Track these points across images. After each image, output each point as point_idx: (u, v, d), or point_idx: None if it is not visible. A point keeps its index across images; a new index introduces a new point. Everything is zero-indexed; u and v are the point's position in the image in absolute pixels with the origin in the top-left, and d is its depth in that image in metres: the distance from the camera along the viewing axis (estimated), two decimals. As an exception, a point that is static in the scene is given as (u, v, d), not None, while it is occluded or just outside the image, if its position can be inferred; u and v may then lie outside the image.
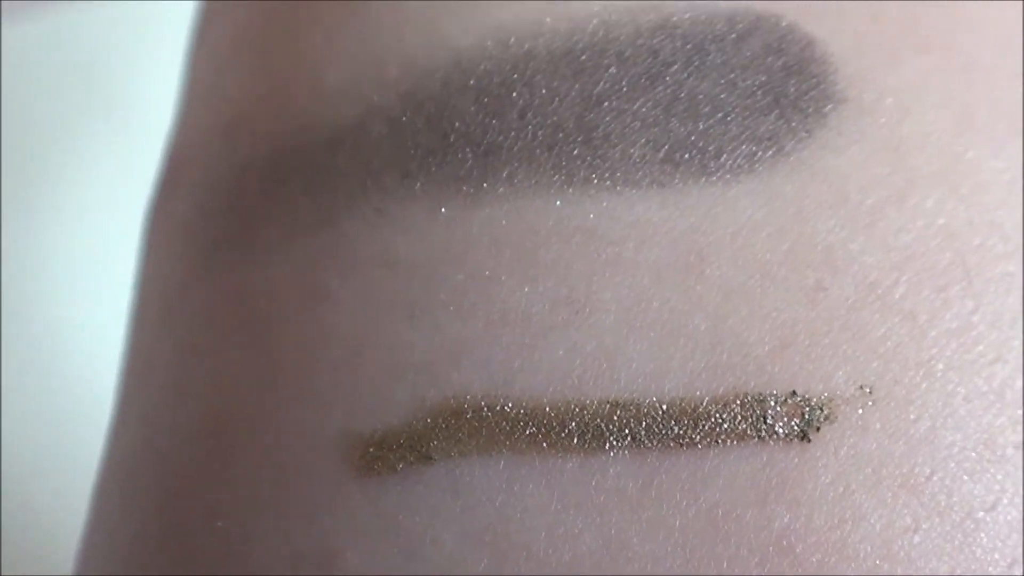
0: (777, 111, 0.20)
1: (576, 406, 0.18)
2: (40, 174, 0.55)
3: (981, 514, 0.18)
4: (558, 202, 0.19)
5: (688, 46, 0.20)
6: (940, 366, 0.19)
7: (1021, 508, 0.19)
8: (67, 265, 0.54)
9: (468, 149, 0.20)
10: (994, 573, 0.18)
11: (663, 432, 0.18)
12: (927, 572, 0.18)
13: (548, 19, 0.20)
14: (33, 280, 0.53)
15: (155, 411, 0.22)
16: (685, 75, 0.20)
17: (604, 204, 0.19)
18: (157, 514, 0.21)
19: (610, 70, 0.20)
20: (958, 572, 0.18)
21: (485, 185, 0.20)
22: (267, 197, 0.21)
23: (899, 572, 0.18)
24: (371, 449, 0.19)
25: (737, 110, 0.20)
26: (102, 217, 0.53)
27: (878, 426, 0.19)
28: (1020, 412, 0.19)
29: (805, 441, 0.18)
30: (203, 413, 0.21)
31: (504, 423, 0.18)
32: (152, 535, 0.21)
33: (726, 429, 0.18)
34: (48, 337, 0.53)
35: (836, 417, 0.19)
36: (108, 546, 0.22)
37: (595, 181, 0.20)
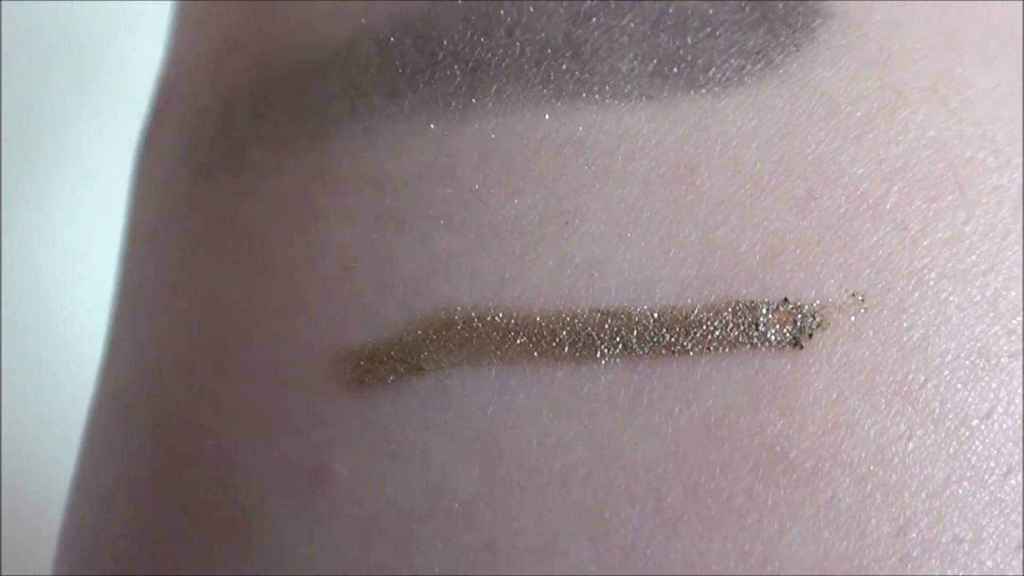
0: (766, 26, 0.20)
1: (567, 315, 0.18)
2: (33, 153, 0.55)
3: (976, 422, 0.18)
4: (547, 116, 0.19)
5: (676, -37, 0.20)
6: (933, 275, 0.19)
7: (1017, 417, 0.19)
8: (64, 247, 0.54)
9: (456, 66, 0.20)
10: (990, 480, 0.18)
11: (654, 340, 0.18)
12: (921, 479, 0.18)
13: None
14: (30, 264, 0.53)
15: (145, 341, 0.22)
16: (673, -9, 0.20)
17: (593, 117, 0.19)
18: (148, 442, 0.21)
19: (598, -14, 0.20)
20: (953, 479, 0.18)
21: (473, 101, 0.20)
22: (256, 121, 0.21)
23: (893, 478, 0.18)
24: (362, 362, 0.19)
25: (725, 24, 0.20)
26: (99, 198, 0.53)
27: (871, 333, 0.18)
28: (1015, 322, 0.19)
29: (797, 348, 0.18)
30: (193, 336, 0.20)
31: (495, 333, 0.18)
32: (142, 463, 0.21)
33: (718, 336, 0.18)
34: (43, 324, 0.53)
35: (828, 324, 0.18)
36: (99, 479, 0.22)
37: (584, 95, 0.20)
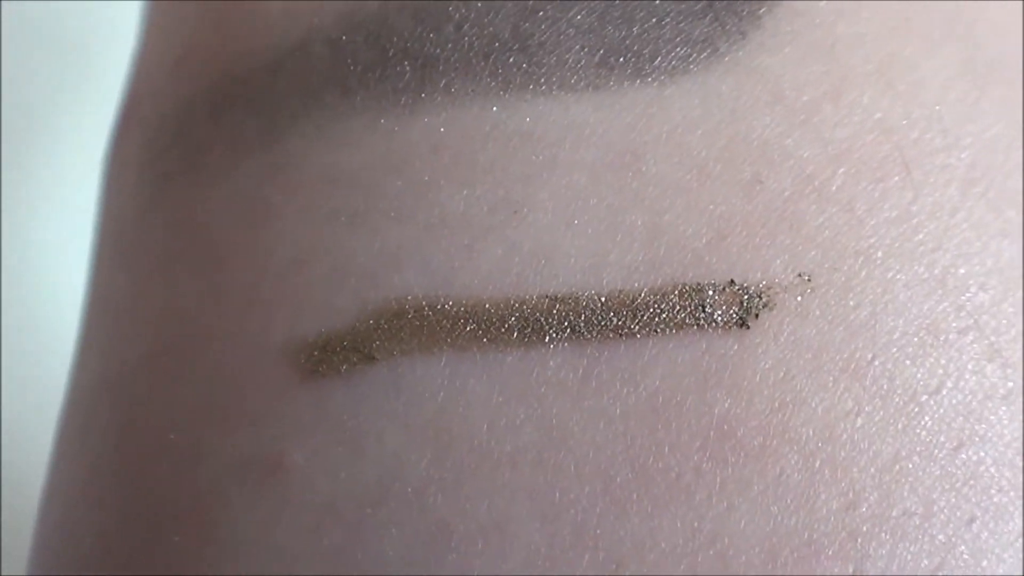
0: (711, 15, 0.20)
1: (516, 302, 0.19)
2: (36, 156, 0.55)
3: (924, 398, 0.19)
4: (495, 108, 0.20)
5: (622, -44, 0.21)
6: (879, 254, 0.19)
7: (967, 392, 0.19)
8: (63, 246, 0.54)
9: (406, 62, 0.20)
10: (940, 455, 0.18)
11: (602, 323, 0.19)
12: (871, 454, 0.18)
13: None
14: (30, 265, 0.54)
15: (111, 343, 0.22)
16: (619, -16, 0.21)
17: (540, 108, 0.20)
18: (112, 441, 0.21)
19: (544, -19, 0.21)
20: (902, 454, 0.18)
21: (423, 95, 0.20)
22: (213, 125, 0.21)
23: (842, 454, 0.18)
24: (315, 352, 0.19)
25: (671, 15, 0.20)
26: (81, 199, 0.53)
27: (818, 312, 0.19)
28: (964, 298, 0.19)
29: (744, 328, 0.19)
30: (156, 337, 0.21)
31: (445, 321, 0.19)
32: (108, 462, 0.21)
33: (665, 319, 0.19)
34: (43, 322, 0.53)
35: (775, 304, 0.19)
36: (67, 483, 0.22)
37: (531, 87, 0.20)
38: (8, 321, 0.51)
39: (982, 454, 0.18)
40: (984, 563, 0.18)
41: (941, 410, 0.18)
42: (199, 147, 0.21)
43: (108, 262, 0.23)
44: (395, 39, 0.20)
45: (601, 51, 0.20)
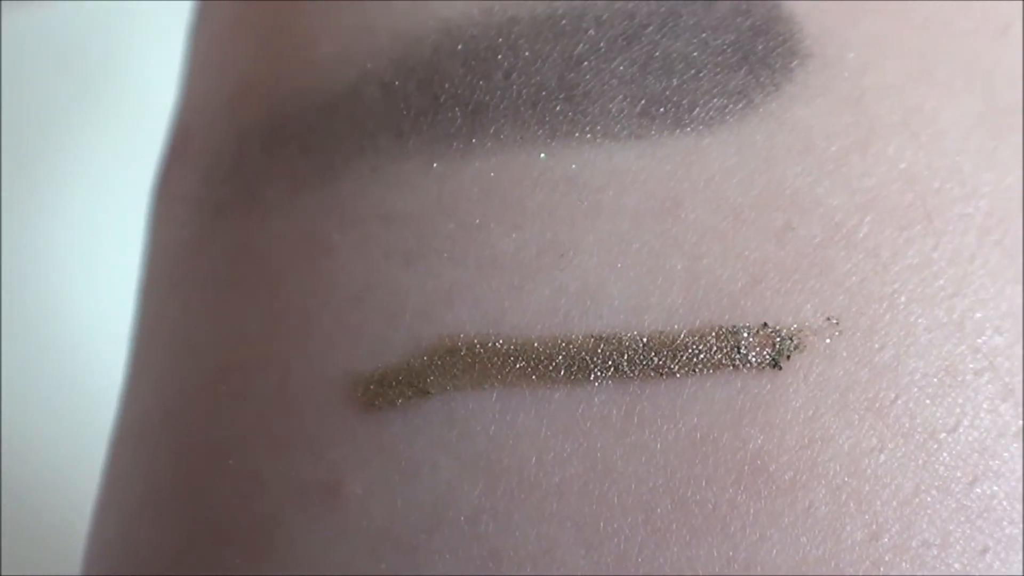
0: (746, 67, 0.22)
1: (562, 341, 0.20)
2: (39, 164, 0.55)
3: (943, 435, 0.20)
4: (542, 155, 0.21)
5: (662, 9, 0.22)
6: (903, 299, 0.20)
7: (982, 429, 0.20)
8: (66, 255, 0.54)
9: (457, 108, 0.21)
10: (956, 489, 0.20)
11: (644, 363, 0.20)
12: (892, 488, 0.19)
13: None
14: (32, 271, 0.54)
15: (165, 370, 0.23)
16: (660, 36, 0.22)
17: (585, 155, 0.21)
18: (170, 462, 0.22)
19: (589, 32, 0.22)
20: (922, 488, 0.19)
21: (474, 141, 0.21)
22: (268, 160, 0.22)
23: (866, 488, 0.19)
24: (372, 386, 0.20)
25: (709, 67, 0.21)
26: (101, 207, 0.54)
27: (844, 354, 0.20)
28: (980, 341, 0.20)
29: (776, 369, 0.20)
30: (211, 363, 0.22)
31: (496, 358, 0.20)
32: (164, 484, 0.22)
33: (702, 359, 0.20)
34: (47, 328, 0.54)
35: (805, 346, 0.20)
36: (123, 499, 0.23)
37: (576, 135, 0.21)
38: (10, 331, 0.52)
39: (995, 488, 0.20)
40: None
41: (958, 447, 0.20)
42: (256, 180, 0.22)
43: (159, 291, 0.24)
44: (446, 85, 0.21)
45: (643, 101, 0.21)
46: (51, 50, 0.56)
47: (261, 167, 0.22)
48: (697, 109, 0.21)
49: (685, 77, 0.21)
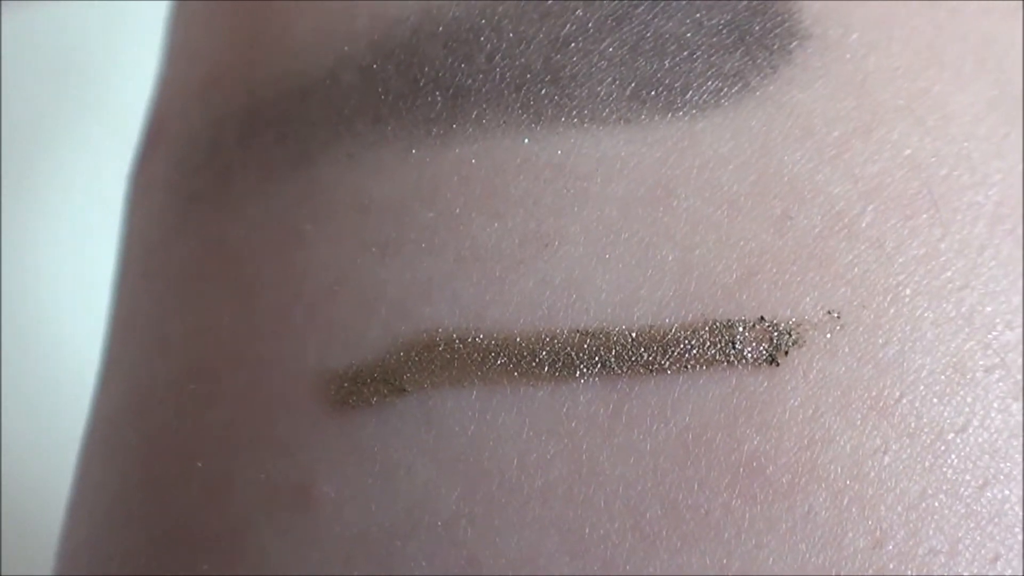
0: (743, 48, 0.20)
1: (546, 336, 0.19)
2: (34, 164, 0.55)
3: (951, 436, 0.19)
4: (526, 140, 0.20)
5: (653, -12, 0.21)
6: (908, 292, 0.19)
7: (992, 430, 0.19)
8: (60, 255, 0.54)
9: (437, 92, 0.20)
10: (965, 493, 0.18)
11: (633, 359, 0.19)
12: (897, 492, 0.18)
13: None
14: (28, 271, 0.53)
15: (137, 367, 0.22)
16: (651, 16, 0.21)
17: (572, 141, 0.20)
18: (139, 464, 0.21)
19: (576, 12, 0.21)
20: (929, 492, 0.18)
21: (454, 126, 0.20)
22: (243, 148, 0.21)
23: (869, 492, 0.18)
24: (345, 384, 0.19)
25: (703, 48, 0.20)
26: (97, 206, 0.53)
27: (847, 350, 0.19)
28: (990, 336, 0.19)
29: (774, 365, 0.19)
30: (182, 361, 0.21)
31: (476, 354, 0.19)
32: (135, 484, 0.21)
33: (695, 355, 0.19)
34: (33, 328, 0.53)
35: (804, 341, 0.19)
36: (93, 502, 0.22)
37: (562, 119, 0.20)
38: (8, 330, 0.51)
39: (1007, 492, 0.19)
40: None
41: (967, 448, 0.19)
42: (228, 170, 0.21)
43: (133, 283, 0.23)
44: (426, 68, 0.20)
45: (632, 84, 0.20)
46: (47, 50, 0.56)
47: (235, 155, 0.21)
48: (690, 92, 0.20)
49: (678, 59, 0.20)
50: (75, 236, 0.53)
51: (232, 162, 0.21)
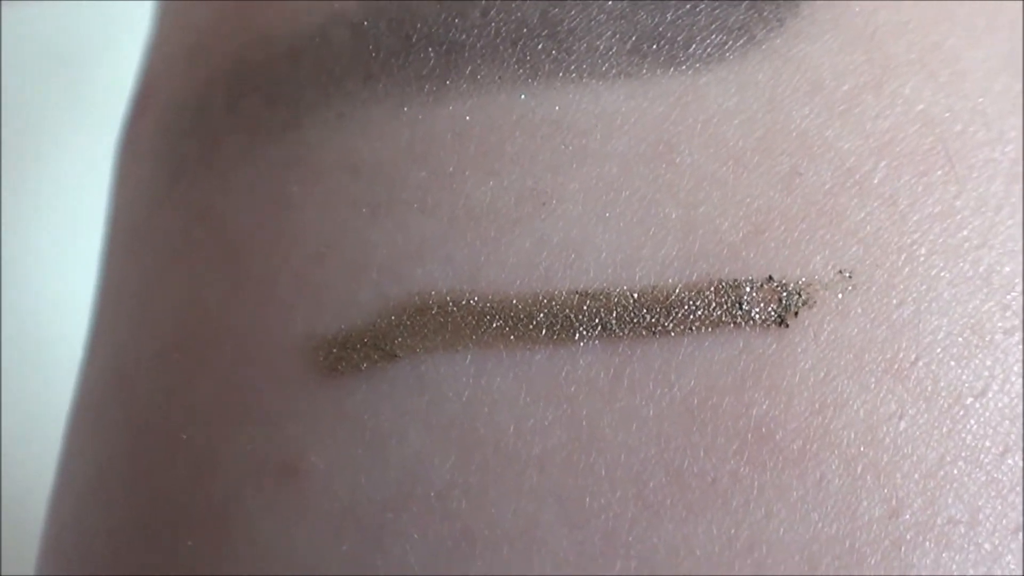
0: (747, 1, 0.20)
1: (544, 297, 0.18)
2: (33, 161, 0.55)
3: (970, 400, 0.18)
4: (522, 96, 0.19)
5: (655, -61, 0.20)
6: (923, 251, 0.18)
7: (1013, 395, 0.18)
8: (59, 252, 0.54)
9: (430, 48, 0.20)
10: (986, 460, 0.18)
11: (634, 321, 0.18)
12: (914, 459, 0.17)
13: None
14: (26, 268, 0.53)
15: (123, 338, 0.21)
16: (651, -32, 0.20)
17: (570, 96, 0.19)
18: (124, 438, 0.20)
19: (574, -36, 0.20)
20: (947, 459, 0.17)
21: (448, 82, 0.19)
22: (230, 113, 0.21)
23: (885, 459, 0.17)
24: (334, 350, 0.18)
25: (706, 1, 0.20)
26: (82, 204, 0.53)
27: (859, 311, 0.18)
28: (1010, 297, 0.18)
29: (783, 326, 0.18)
30: (169, 332, 0.20)
31: (470, 317, 0.18)
32: (119, 459, 0.20)
33: (700, 316, 0.18)
34: (29, 323, 0.53)
35: (815, 302, 0.18)
36: (77, 479, 0.21)
37: (560, 74, 0.19)
38: (8, 320, 0.51)
39: None
40: None
41: (987, 413, 0.18)
42: (215, 135, 0.21)
43: (120, 253, 0.22)
44: (419, 24, 0.20)
45: (633, 38, 0.19)
46: (46, 47, 0.56)
47: (223, 120, 0.21)
48: (693, 46, 0.19)
49: (680, 11, 0.19)
50: (74, 233, 0.53)
51: (220, 127, 0.21)
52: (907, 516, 0.17)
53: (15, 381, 0.52)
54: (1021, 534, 0.17)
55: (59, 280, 0.54)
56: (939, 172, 0.19)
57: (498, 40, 0.19)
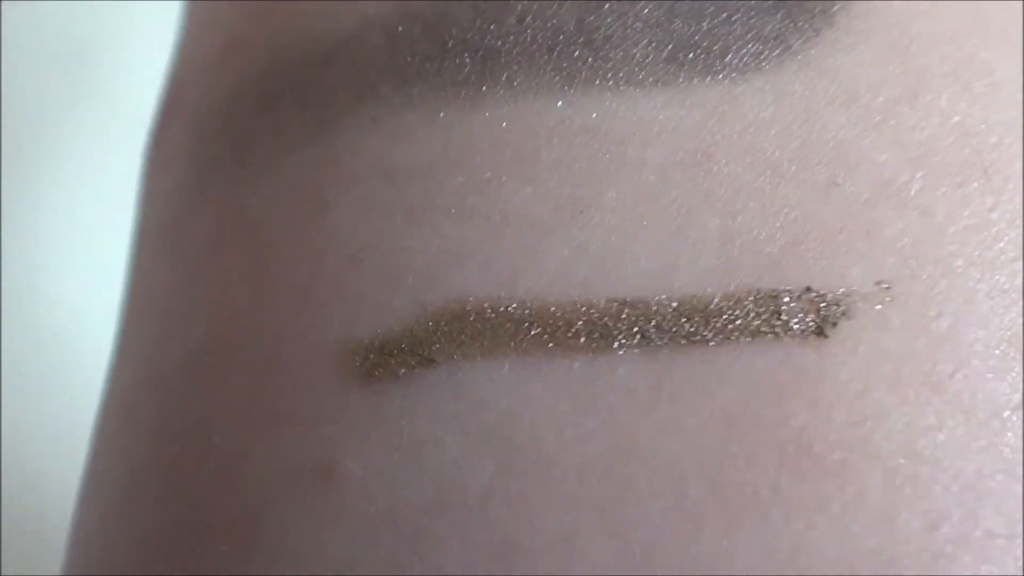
0: (783, 11, 0.20)
1: (582, 305, 0.18)
2: (28, 157, 0.55)
3: (1007, 413, 0.18)
4: (559, 103, 0.19)
5: (691, -52, 0.20)
6: (960, 262, 0.18)
7: None
8: (63, 249, 0.53)
9: (466, 54, 0.19)
10: (1022, 474, 0.18)
11: (674, 330, 0.18)
12: (953, 472, 0.17)
13: None
14: (29, 265, 0.53)
15: (155, 340, 0.21)
16: (688, -23, 0.20)
17: (607, 104, 0.19)
18: (154, 443, 0.20)
19: (611, -27, 0.20)
20: (986, 472, 0.17)
21: (484, 88, 0.19)
22: (263, 114, 0.21)
23: (924, 471, 0.17)
24: (371, 355, 0.18)
25: (742, 10, 0.20)
26: (98, 202, 0.53)
27: (898, 322, 0.18)
28: None
29: (822, 337, 0.18)
30: (201, 334, 0.20)
31: (508, 324, 0.18)
32: (149, 466, 0.20)
33: (739, 326, 0.18)
34: (35, 322, 0.53)
35: (853, 313, 0.18)
36: (105, 485, 0.21)
37: (597, 82, 0.19)
38: (8, 320, 0.51)
39: None
40: None
41: None
42: (248, 137, 0.20)
43: (151, 257, 0.22)
44: (454, 30, 0.20)
45: (670, 46, 0.19)
46: (46, 47, 0.55)
47: (255, 123, 0.21)
48: (730, 55, 0.19)
49: (716, 21, 0.19)
50: (77, 230, 0.53)
51: (251, 129, 0.21)
52: (946, 529, 0.17)
53: (15, 381, 0.51)
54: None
55: (59, 280, 0.53)
56: (975, 184, 0.19)
57: (534, 47, 0.19)
